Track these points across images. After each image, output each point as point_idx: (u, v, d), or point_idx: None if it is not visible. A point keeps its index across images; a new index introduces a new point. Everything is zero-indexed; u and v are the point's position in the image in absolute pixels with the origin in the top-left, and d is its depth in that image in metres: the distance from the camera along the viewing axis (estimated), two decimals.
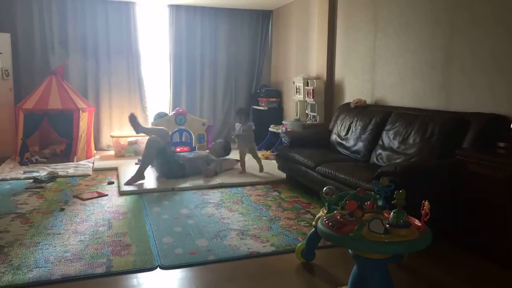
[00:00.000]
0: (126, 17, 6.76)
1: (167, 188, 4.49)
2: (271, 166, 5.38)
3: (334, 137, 4.75)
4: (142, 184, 4.61)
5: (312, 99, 5.66)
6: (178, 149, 5.92)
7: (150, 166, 4.89)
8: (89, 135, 6.10)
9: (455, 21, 3.68)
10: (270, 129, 6.71)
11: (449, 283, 2.53)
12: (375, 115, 4.28)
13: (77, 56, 6.61)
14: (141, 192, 4.36)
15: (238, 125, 5.35)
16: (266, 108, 7.02)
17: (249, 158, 5.34)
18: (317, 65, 5.87)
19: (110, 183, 4.75)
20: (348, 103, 4.96)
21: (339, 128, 4.74)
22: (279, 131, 6.24)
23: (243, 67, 7.55)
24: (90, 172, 5.24)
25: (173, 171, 4.85)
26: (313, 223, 2.73)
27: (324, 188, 2.55)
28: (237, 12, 7.35)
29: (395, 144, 3.80)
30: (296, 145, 4.76)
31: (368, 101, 4.80)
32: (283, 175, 4.93)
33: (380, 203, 2.15)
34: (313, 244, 2.71)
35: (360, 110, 4.62)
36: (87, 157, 6.00)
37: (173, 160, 4.87)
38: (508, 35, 3.19)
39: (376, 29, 4.74)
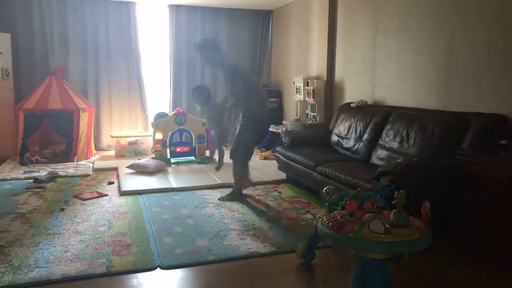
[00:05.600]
0: (126, 17, 6.76)
1: (167, 188, 4.50)
2: (271, 166, 5.38)
3: (334, 137, 4.75)
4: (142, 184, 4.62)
5: (312, 99, 5.66)
6: (178, 149, 5.93)
7: None
8: (89, 135, 6.10)
9: (455, 21, 3.68)
10: (270, 129, 6.71)
11: (449, 283, 2.53)
12: (375, 115, 4.28)
13: (77, 56, 6.61)
14: (141, 192, 4.36)
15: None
16: None
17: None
18: (317, 65, 5.87)
19: (110, 183, 4.75)
20: (349, 103, 4.96)
21: (339, 128, 4.73)
22: (279, 131, 6.23)
23: (243, 67, 7.53)
24: (90, 172, 5.24)
25: None
26: (313, 223, 2.73)
27: (324, 188, 2.55)
28: (237, 12, 7.35)
29: (395, 144, 3.80)
30: (296, 145, 4.76)
31: (368, 101, 4.79)
32: (283, 175, 4.93)
33: (380, 203, 2.15)
34: (313, 244, 2.71)
35: (360, 110, 4.62)
36: (87, 157, 6.00)
37: None
38: (508, 34, 3.19)
39: (376, 29, 4.74)
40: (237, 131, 3.98)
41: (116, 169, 5.40)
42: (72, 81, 6.47)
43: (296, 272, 2.66)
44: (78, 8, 6.52)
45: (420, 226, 1.95)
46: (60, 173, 5.06)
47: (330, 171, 3.75)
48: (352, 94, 5.21)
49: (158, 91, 7.25)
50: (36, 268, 2.60)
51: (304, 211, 3.80)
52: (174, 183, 4.67)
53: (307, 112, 5.96)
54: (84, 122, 5.92)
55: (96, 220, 3.50)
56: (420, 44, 4.08)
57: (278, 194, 4.38)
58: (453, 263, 2.78)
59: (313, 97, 5.62)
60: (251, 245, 2.98)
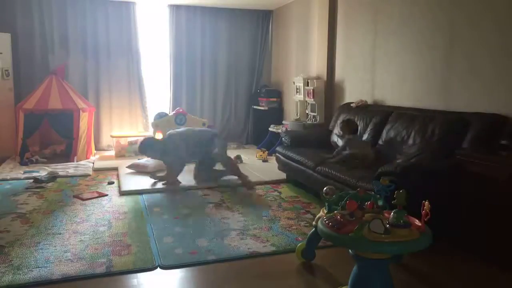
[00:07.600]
0: (126, 17, 6.76)
1: (167, 188, 4.49)
2: (271, 166, 5.38)
3: (334, 137, 4.75)
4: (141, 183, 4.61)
5: (312, 99, 5.66)
6: None
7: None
8: (89, 135, 6.10)
9: (455, 21, 3.68)
10: (270, 129, 6.71)
11: (449, 283, 2.53)
12: (375, 115, 4.28)
13: (77, 56, 6.61)
14: (141, 192, 4.36)
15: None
16: (266, 108, 7.02)
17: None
18: (317, 65, 5.87)
19: (110, 183, 4.75)
20: (349, 103, 4.96)
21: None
22: (279, 131, 6.23)
23: (243, 67, 7.54)
24: (90, 172, 5.24)
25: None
26: (313, 223, 2.73)
27: (324, 188, 2.55)
28: (237, 12, 7.35)
29: (395, 144, 3.80)
30: (296, 145, 4.76)
31: (368, 101, 4.80)
32: (283, 175, 4.93)
33: (380, 203, 2.15)
34: (313, 244, 2.71)
35: (360, 110, 4.62)
36: (87, 157, 6.00)
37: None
38: (507, 35, 3.19)
39: (376, 29, 4.74)
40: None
41: (116, 169, 5.40)
42: (72, 81, 6.47)
43: (296, 272, 2.66)
44: (78, 8, 6.52)
45: (420, 226, 1.96)
46: (60, 173, 5.06)
47: (330, 171, 3.75)
48: (352, 94, 5.21)
49: (158, 91, 7.25)
50: (36, 268, 2.60)
51: (304, 211, 3.80)
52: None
53: (307, 112, 5.95)
54: (84, 122, 5.92)
55: (96, 220, 3.50)
56: (420, 44, 4.08)
57: (278, 194, 4.37)
58: (453, 263, 2.78)
59: (313, 97, 5.62)
60: (251, 245, 2.98)
